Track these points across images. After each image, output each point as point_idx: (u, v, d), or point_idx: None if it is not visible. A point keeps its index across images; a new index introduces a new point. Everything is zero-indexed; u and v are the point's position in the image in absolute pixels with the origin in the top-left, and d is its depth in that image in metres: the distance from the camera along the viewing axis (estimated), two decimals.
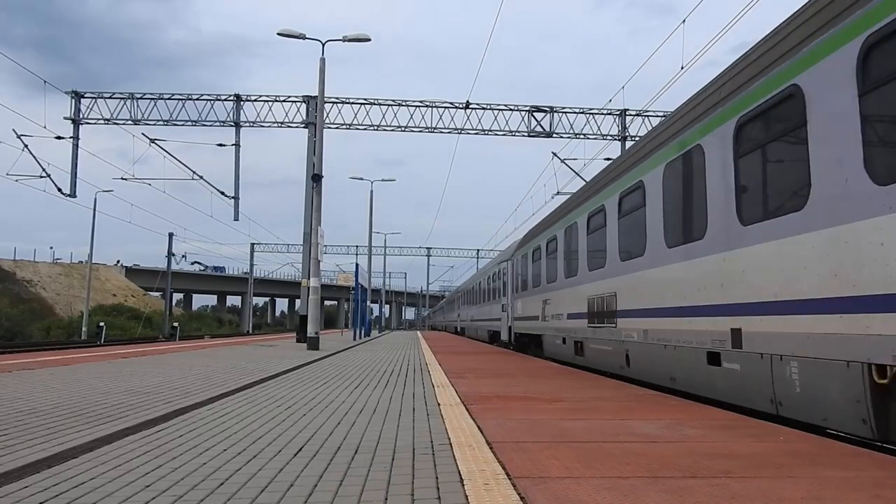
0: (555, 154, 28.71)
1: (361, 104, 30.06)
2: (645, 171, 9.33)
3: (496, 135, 30.59)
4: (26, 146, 27.54)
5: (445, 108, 30.15)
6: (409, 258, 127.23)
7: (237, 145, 30.02)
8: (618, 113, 29.77)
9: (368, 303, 42.10)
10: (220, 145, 30.33)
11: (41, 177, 28.68)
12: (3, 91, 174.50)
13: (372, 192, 43.76)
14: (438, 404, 6.47)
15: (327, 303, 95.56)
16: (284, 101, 29.84)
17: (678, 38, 18.91)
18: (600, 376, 10.48)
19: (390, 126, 30.12)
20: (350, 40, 21.07)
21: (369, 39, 21.21)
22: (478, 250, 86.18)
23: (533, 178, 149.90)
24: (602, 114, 29.86)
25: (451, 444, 4.35)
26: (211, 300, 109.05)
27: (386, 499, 3.04)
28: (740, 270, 6.51)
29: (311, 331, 19.26)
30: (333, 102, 29.48)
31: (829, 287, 5.11)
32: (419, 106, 30.06)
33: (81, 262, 68.54)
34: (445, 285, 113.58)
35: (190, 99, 30.03)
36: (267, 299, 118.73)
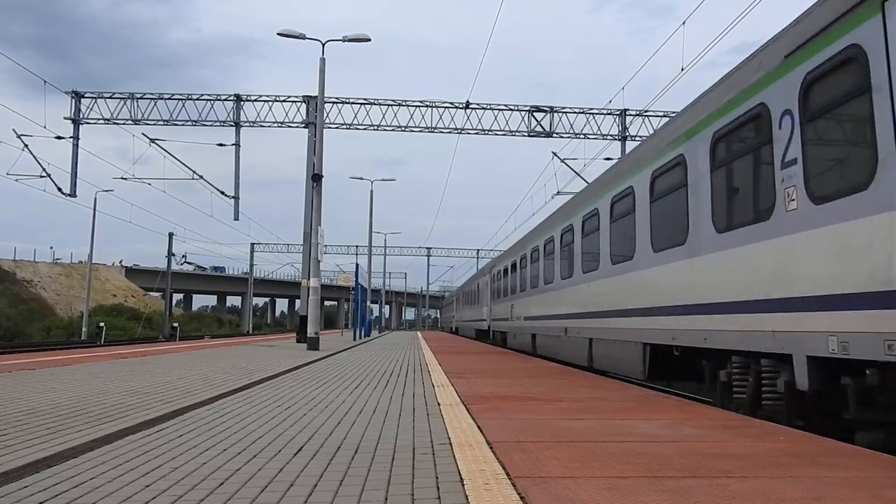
0: (555, 154, 28.73)
1: (361, 104, 30.07)
2: None
3: (496, 135, 30.62)
4: (26, 146, 27.56)
5: (445, 108, 30.17)
6: (409, 258, 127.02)
7: (237, 145, 30.06)
8: (618, 113, 29.77)
9: (368, 303, 42.09)
10: (221, 145, 30.39)
11: (41, 177, 28.72)
12: (3, 91, 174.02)
13: (372, 191, 43.65)
14: (438, 404, 6.47)
15: (327, 303, 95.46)
16: (284, 101, 29.86)
17: (678, 39, 18.90)
18: (600, 376, 10.45)
19: (390, 126, 30.15)
20: (350, 40, 21.08)
21: (369, 39, 21.22)
22: (478, 250, 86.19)
23: (533, 178, 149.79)
24: (602, 114, 29.87)
25: (451, 443, 4.34)
26: (211, 300, 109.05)
27: (386, 499, 3.04)
28: None
29: (310, 331, 19.25)
30: (333, 102, 29.50)
31: None
32: (419, 106, 30.08)
33: (81, 262, 68.49)
34: (445, 285, 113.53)
35: (190, 99, 30.06)
36: (267, 299, 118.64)
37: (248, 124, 30.16)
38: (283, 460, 3.86)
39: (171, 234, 51.28)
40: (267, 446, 4.29)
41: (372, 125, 30.13)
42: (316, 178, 20.46)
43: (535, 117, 30.19)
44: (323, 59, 20.86)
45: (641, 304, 9.11)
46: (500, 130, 30.41)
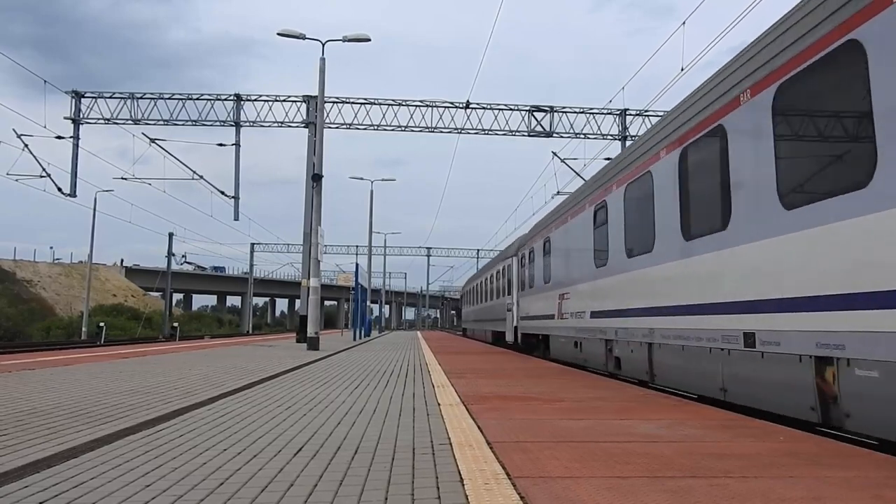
0: (555, 154, 28.74)
1: (361, 104, 30.08)
2: None
3: (496, 135, 30.62)
4: (26, 146, 27.56)
5: (445, 108, 30.18)
6: (409, 258, 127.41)
7: (237, 145, 30.06)
8: (618, 113, 29.80)
9: (368, 303, 42.09)
10: (221, 145, 30.39)
11: (41, 176, 28.72)
12: (3, 91, 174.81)
13: (372, 191, 43.72)
14: (438, 404, 6.47)
15: (327, 303, 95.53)
16: (284, 100, 29.87)
17: (678, 39, 18.90)
18: (600, 376, 10.46)
19: (390, 126, 30.16)
20: (350, 40, 21.10)
21: (369, 39, 21.23)
22: (478, 250, 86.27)
23: (533, 178, 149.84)
24: (602, 114, 29.90)
25: (451, 443, 4.34)
26: (211, 300, 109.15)
27: (386, 499, 3.04)
28: None
29: (310, 331, 19.26)
30: (333, 102, 29.51)
31: None
32: (419, 106, 30.08)
33: (81, 262, 68.53)
34: (445, 285, 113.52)
35: (190, 99, 30.07)
36: (267, 299, 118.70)
37: (248, 124, 30.18)
38: (284, 460, 3.86)
39: (171, 234, 51.36)
40: (267, 446, 4.29)
41: (372, 125, 30.14)
42: (316, 178, 20.46)
43: (535, 117, 30.20)
44: (323, 59, 20.87)
45: None
46: (500, 130, 30.42)
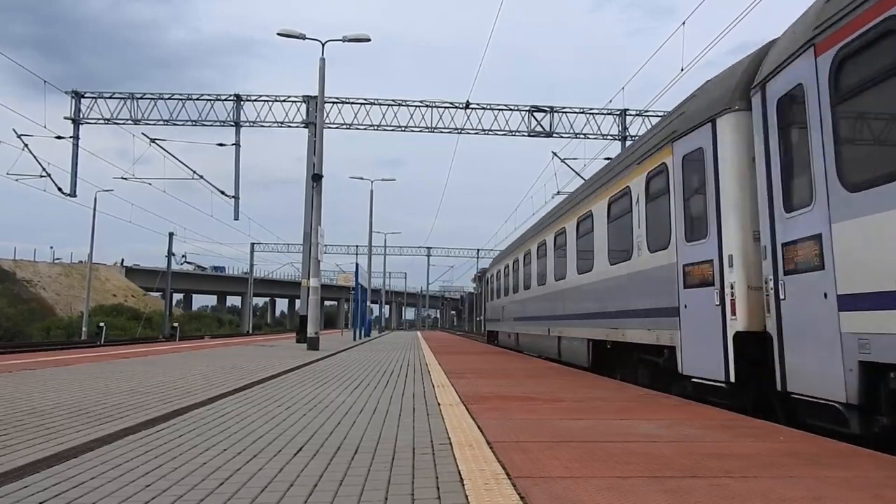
0: (555, 154, 28.76)
1: (361, 104, 30.10)
2: None
3: (496, 135, 30.65)
4: (26, 146, 27.58)
5: (445, 108, 30.19)
6: (409, 258, 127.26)
7: (237, 145, 30.08)
8: (618, 113, 29.82)
9: (368, 303, 42.09)
10: (221, 145, 30.42)
11: (41, 176, 28.75)
12: (3, 91, 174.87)
13: (372, 191, 43.74)
14: (438, 404, 6.47)
15: (327, 303, 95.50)
16: (284, 101, 29.90)
17: (678, 39, 18.91)
18: (600, 376, 10.47)
19: (390, 126, 30.18)
20: (350, 40, 21.10)
21: (369, 39, 21.23)
22: (478, 250, 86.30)
23: (533, 178, 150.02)
24: (602, 114, 29.92)
25: (451, 443, 4.34)
26: (211, 300, 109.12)
27: (386, 499, 3.04)
28: None
29: (310, 331, 19.26)
30: (333, 102, 29.51)
31: None
32: (419, 106, 30.10)
33: (81, 262, 68.51)
34: (445, 285, 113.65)
35: (190, 99, 30.10)
36: (267, 299, 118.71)
37: (248, 124, 30.20)
38: (284, 460, 3.85)
39: (171, 234, 51.41)
40: (267, 446, 4.28)
41: (372, 125, 30.16)
42: (316, 178, 20.46)
43: (535, 117, 30.22)
44: (323, 59, 20.88)
45: None
46: (500, 130, 30.44)
